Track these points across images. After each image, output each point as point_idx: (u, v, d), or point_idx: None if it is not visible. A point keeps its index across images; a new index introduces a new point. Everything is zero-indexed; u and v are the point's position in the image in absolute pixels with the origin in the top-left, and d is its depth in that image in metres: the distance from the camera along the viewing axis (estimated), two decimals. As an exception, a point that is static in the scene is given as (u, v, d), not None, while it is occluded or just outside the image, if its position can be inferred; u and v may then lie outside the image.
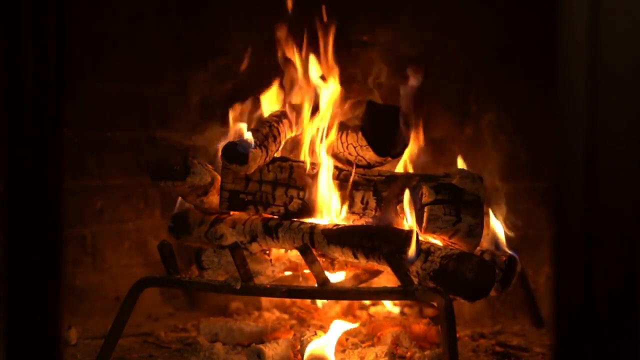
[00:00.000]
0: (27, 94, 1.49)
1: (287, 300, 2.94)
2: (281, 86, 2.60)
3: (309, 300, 2.90)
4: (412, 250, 2.20)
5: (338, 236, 2.32)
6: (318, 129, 2.52)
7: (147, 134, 3.10)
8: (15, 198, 1.50)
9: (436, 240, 2.30)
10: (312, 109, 2.55)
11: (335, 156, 2.51)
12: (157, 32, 3.08)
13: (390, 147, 2.44)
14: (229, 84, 2.58)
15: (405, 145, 2.47)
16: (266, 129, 2.42)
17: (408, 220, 2.27)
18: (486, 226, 2.33)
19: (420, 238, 2.24)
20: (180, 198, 2.53)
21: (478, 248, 2.30)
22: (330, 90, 2.55)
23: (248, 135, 2.35)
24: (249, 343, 2.47)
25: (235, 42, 3.11)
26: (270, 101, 2.57)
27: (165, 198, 3.03)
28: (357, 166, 2.48)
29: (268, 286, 2.29)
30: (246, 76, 2.70)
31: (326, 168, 2.43)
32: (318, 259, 2.24)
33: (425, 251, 2.22)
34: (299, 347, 2.36)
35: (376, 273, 2.45)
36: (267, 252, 2.44)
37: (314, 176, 2.41)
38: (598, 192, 1.36)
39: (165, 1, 3.12)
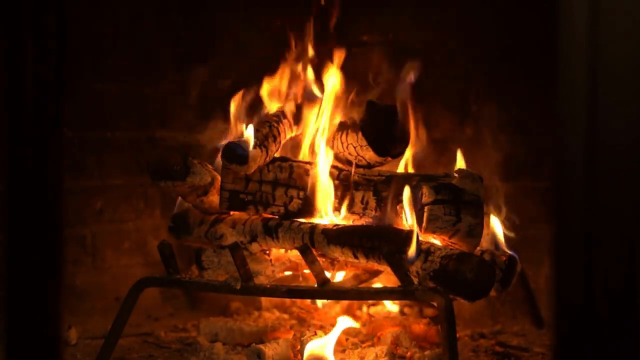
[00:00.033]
0: (27, 94, 1.49)
1: (287, 300, 2.94)
2: (281, 86, 2.60)
3: (309, 300, 2.90)
4: (412, 250, 2.20)
5: (338, 236, 2.32)
6: (318, 128, 2.52)
7: (147, 134, 3.10)
8: (15, 198, 1.50)
9: (436, 240, 2.30)
10: (312, 109, 2.55)
11: (335, 156, 2.51)
12: (157, 32, 3.08)
13: (390, 147, 2.44)
14: (229, 83, 2.58)
15: (406, 145, 2.47)
16: (266, 129, 2.42)
17: (408, 219, 2.27)
18: (486, 226, 2.33)
19: (420, 238, 2.24)
20: (180, 198, 2.53)
21: (478, 248, 2.30)
22: (330, 90, 2.55)
23: (248, 135, 2.35)
24: (249, 343, 2.47)
25: (235, 42, 3.11)
26: (270, 96, 2.57)
27: (165, 198, 3.03)
28: (357, 166, 2.48)
29: (268, 286, 2.29)
30: (246, 76, 2.70)
31: (326, 168, 2.43)
32: (318, 259, 2.24)
33: (425, 251, 2.22)
34: (299, 347, 2.36)
35: (376, 273, 2.45)
36: (267, 252, 2.44)
37: (314, 176, 2.41)
38: (598, 192, 1.36)
39: (165, 1, 3.12)
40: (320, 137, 2.51)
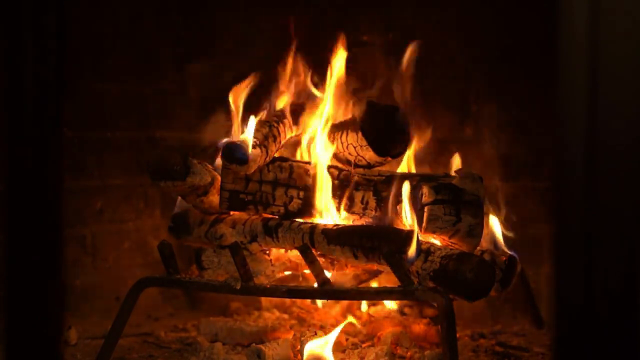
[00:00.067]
0: (27, 94, 1.49)
1: (287, 300, 2.94)
2: (281, 85, 2.60)
3: (309, 300, 2.90)
4: (412, 250, 2.20)
5: (338, 236, 2.32)
6: (318, 128, 2.52)
7: (147, 134, 3.10)
8: (15, 198, 1.50)
9: (436, 240, 2.30)
10: (312, 108, 2.55)
11: (335, 156, 2.51)
12: (157, 32, 3.08)
13: (390, 147, 2.45)
14: (229, 83, 2.58)
15: (406, 145, 2.47)
16: (266, 129, 2.42)
17: (407, 217, 2.27)
18: (485, 226, 2.33)
19: (420, 238, 2.24)
20: (180, 198, 2.53)
21: (478, 248, 2.30)
22: (330, 90, 2.55)
23: (248, 135, 2.35)
24: (249, 343, 2.47)
25: (235, 42, 3.11)
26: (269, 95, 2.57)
27: (165, 198, 3.03)
28: (357, 166, 2.48)
29: (268, 286, 2.29)
30: (246, 76, 2.70)
31: (326, 168, 2.43)
32: (318, 259, 2.24)
33: (425, 251, 2.22)
34: (299, 347, 2.36)
35: (376, 273, 2.45)
36: (267, 252, 2.44)
37: (314, 176, 2.41)
38: (598, 192, 1.36)
39: (165, 1, 3.12)
40: (320, 137, 2.51)
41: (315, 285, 2.27)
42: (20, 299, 1.51)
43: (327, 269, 2.35)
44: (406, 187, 2.28)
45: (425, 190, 2.22)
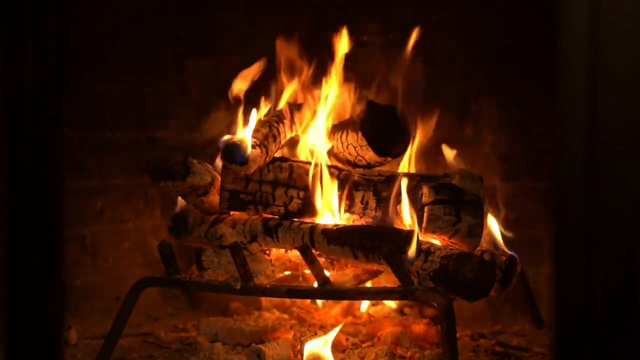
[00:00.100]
0: (27, 94, 1.49)
1: (287, 300, 2.94)
2: (281, 85, 2.60)
3: (309, 300, 2.90)
4: (412, 250, 2.20)
5: (338, 236, 2.32)
6: (317, 128, 2.52)
7: (147, 134, 3.10)
8: (15, 198, 1.50)
9: (436, 240, 2.30)
10: (312, 108, 2.55)
11: (335, 156, 2.51)
12: (157, 32, 3.08)
13: (390, 147, 2.44)
14: (229, 83, 2.58)
15: (406, 145, 2.47)
16: (266, 129, 2.42)
17: (407, 217, 2.27)
18: (485, 226, 2.33)
19: (420, 238, 2.24)
20: (180, 198, 2.53)
21: (478, 248, 2.30)
22: (330, 90, 2.55)
23: (248, 135, 2.35)
24: (249, 343, 2.47)
25: (235, 42, 3.11)
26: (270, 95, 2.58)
27: (165, 198, 3.02)
28: (357, 166, 2.48)
29: (268, 286, 2.29)
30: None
31: (325, 168, 2.43)
32: (318, 259, 2.24)
33: (425, 251, 2.22)
34: (299, 347, 2.36)
35: (376, 273, 2.45)
36: (267, 252, 2.44)
37: (314, 176, 2.41)
38: (598, 192, 1.36)
39: (165, 1, 3.12)
40: (319, 136, 2.51)
41: (315, 285, 2.27)
42: (20, 299, 1.51)
43: (327, 269, 2.35)
44: (406, 186, 2.28)
45: (425, 190, 2.22)
